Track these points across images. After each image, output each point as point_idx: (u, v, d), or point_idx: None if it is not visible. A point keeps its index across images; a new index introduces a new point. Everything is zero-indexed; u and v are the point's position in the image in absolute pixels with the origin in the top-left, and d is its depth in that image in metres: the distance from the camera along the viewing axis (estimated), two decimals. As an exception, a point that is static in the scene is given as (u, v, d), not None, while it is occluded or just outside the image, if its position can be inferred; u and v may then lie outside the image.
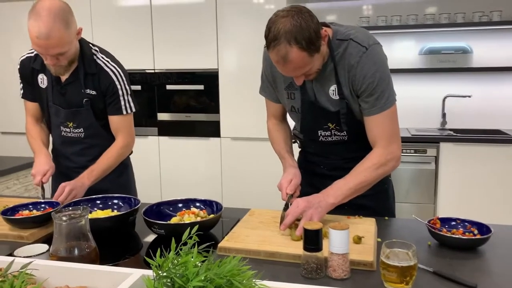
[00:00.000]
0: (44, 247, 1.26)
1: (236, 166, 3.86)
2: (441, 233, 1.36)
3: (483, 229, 1.37)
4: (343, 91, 1.51)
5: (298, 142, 1.84)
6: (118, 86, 1.86)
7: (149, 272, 0.83)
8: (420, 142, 3.51)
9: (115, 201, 1.71)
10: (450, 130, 3.82)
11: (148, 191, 3.65)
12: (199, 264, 0.78)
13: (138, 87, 3.96)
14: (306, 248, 1.17)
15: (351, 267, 1.17)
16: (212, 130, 3.88)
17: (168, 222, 1.47)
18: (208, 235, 1.51)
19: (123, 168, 2.03)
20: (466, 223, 1.42)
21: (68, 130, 1.91)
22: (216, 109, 3.84)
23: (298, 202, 1.43)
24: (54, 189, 1.88)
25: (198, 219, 1.49)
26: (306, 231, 1.16)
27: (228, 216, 1.64)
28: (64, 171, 1.96)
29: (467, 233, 1.37)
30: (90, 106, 1.86)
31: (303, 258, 1.18)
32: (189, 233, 0.82)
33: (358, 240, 1.32)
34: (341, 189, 1.46)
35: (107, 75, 1.84)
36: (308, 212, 1.40)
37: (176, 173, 4.01)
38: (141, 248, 1.49)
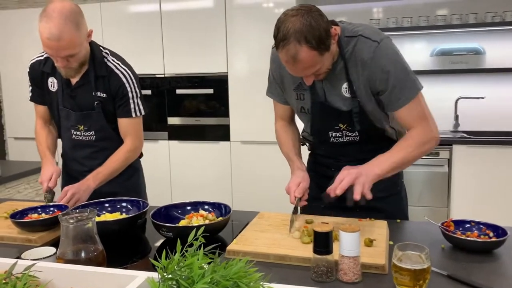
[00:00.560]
0: (51, 250, 1.26)
1: (246, 169, 3.85)
2: (455, 235, 1.32)
3: (499, 231, 1.33)
4: (354, 89, 1.48)
5: (308, 144, 1.82)
6: (128, 89, 1.86)
7: (155, 275, 0.82)
8: (432, 145, 3.47)
9: (124, 204, 1.70)
10: (463, 132, 3.76)
11: (159, 195, 3.66)
12: (205, 266, 0.76)
13: (148, 92, 3.98)
14: (316, 251, 1.14)
15: (362, 270, 1.15)
16: (221, 134, 3.88)
17: (176, 225, 1.46)
18: (217, 238, 1.49)
19: (133, 172, 2.03)
20: (481, 226, 1.38)
21: (79, 133, 1.91)
22: (225, 113, 3.84)
23: (348, 170, 1.38)
24: (63, 193, 1.89)
25: (207, 221, 1.48)
26: (316, 233, 1.14)
27: (237, 219, 1.63)
28: (74, 174, 1.96)
29: (482, 236, 1.34)
30: (101, 108, 1.86)
31: (313, 261, 1.16)
32: (195, 235, 0.80)
33: (369, 242, 1.29)
34: (385, 162, 1.43)
35: (117, 78, 1.84)
36: (360, 179, 1.36)
37: (186, 177, 4.01)
38: (149, 252, 1.48)
